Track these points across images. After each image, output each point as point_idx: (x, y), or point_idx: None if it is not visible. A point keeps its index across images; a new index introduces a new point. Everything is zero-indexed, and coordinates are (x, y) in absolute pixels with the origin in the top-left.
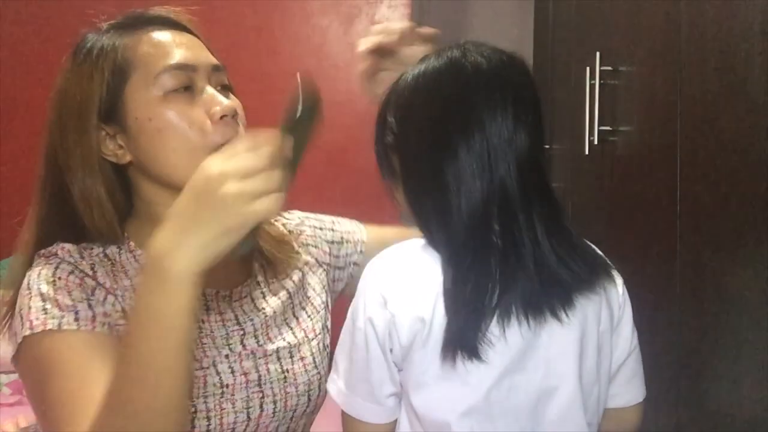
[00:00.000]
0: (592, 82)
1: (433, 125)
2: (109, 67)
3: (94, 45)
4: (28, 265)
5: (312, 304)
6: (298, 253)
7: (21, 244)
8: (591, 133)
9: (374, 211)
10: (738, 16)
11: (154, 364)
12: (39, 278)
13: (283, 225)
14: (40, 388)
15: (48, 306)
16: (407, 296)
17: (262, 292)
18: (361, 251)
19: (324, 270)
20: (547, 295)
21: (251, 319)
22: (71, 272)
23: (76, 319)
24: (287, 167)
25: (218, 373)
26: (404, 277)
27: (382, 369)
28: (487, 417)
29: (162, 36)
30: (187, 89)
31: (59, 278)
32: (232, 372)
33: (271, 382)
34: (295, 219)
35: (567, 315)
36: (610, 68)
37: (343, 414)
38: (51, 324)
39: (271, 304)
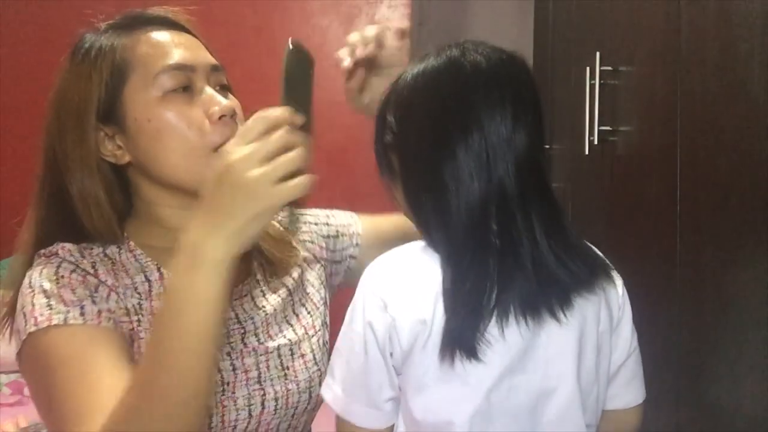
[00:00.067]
0: (592, 82)
1: (431, 124)
2: (107, 67)
3: (92, 45)
4: (28, 265)
5: (311, 300)
6: (296, 249)
7: (20, 245)
8: (591, 133)
9: (374, 211)
10: (738, 16)
11: (184, 348)
12: (41, 277)
13: (279, 222)
14: (46, 382)
15: (52, 302)
16: (408, 299)
17: (262, 291)
18: (357, 244)
19: (321, 266)
20: (545, 295)
21: (252, 318)
22: (73, 270)
23: (82, 314)
24: (303, 136)
25: (219, 371)
26: (404, 279)
27: (381, 373)
28: (487, 418)
29: (160, 36)
30: (186, 89)
31: (62, 276)
32: (234, 369)
33: (272, 380)
34: None
35: (565, 315)
36: (610, 68)
37: (338, 420)
38: (57, 319)
39: (271, 301)
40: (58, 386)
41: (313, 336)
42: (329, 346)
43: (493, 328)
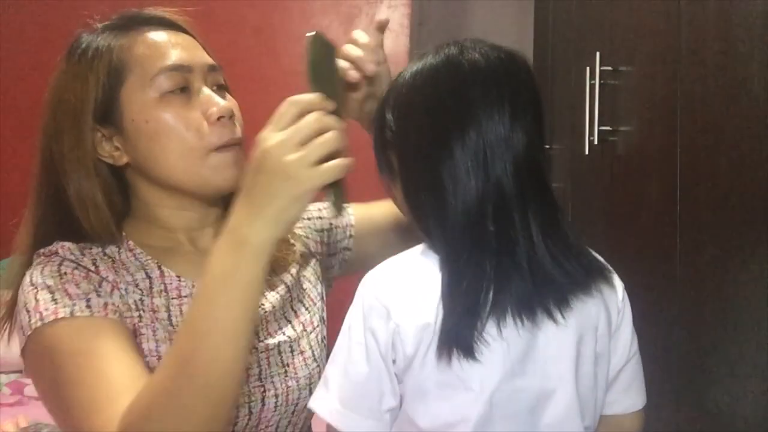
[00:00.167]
0: (592, 82)
1: (430, 122)
2: (104, 68)
3: (89, 45)
4: (28, 265)
5: (309, 296)
6: (293, 245)
7: (19, 245)
8: (591, 133)
9: None
10: (738, 17)
11: (223, 328)
12: (43, 274)
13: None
14: (56, 375)
15: (57, 296)
16: (410, 304)
17: None
18: (350, 235)
19: (317, 260)
20: (540, 295)
21: None
22: (75, 268)
23: (89, 306)
24: (336, 119)
25: None
26: (405, 285)
27: (383, 382)
28: (488, 421)
29: (157, 36)
30: (184, 90)
31: (65, 273)
32: None
33: (273, 377)
34: None
35: (563, 316)
36: (610, 68)
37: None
38: (63, 312)
39: (270, 299)
40: (68, 378)
41: (311, 332)
42: (327, 342)
43: (491, 328)
